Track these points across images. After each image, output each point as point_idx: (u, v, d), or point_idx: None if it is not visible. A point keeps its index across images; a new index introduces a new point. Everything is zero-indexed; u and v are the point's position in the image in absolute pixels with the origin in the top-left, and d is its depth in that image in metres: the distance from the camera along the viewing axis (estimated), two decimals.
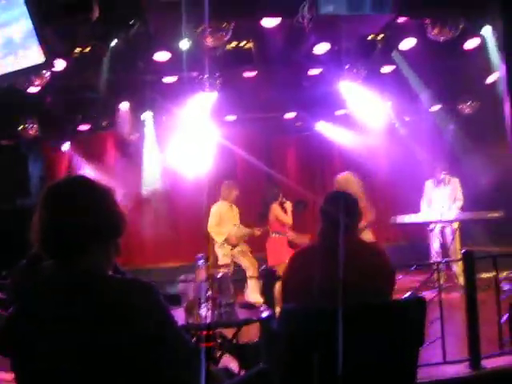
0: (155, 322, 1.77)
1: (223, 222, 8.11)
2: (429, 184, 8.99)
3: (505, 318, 4.82)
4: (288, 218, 8.04)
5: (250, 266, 7.92)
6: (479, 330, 4.83)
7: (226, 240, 8.01)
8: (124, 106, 9.21)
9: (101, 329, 1.69)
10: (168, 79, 8.22)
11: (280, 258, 7.11)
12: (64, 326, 1.69)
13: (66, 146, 10.55)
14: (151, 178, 10.73)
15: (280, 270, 7.37)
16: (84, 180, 1.95)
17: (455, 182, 8.87)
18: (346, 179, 7.27)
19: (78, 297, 1.72)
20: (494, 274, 5.03)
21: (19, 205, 9.15)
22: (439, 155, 9.62)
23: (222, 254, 7.99)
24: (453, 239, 8.46)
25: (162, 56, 7.15)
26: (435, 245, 8.66)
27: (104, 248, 1.87)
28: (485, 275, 5.35)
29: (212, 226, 8.13)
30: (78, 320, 1.69)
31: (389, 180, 11.43)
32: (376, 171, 11.40)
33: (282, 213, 8.04)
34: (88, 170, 10.51)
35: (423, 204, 8.95)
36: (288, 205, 8.15)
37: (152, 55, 7.10)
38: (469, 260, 4.67)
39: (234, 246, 8.03)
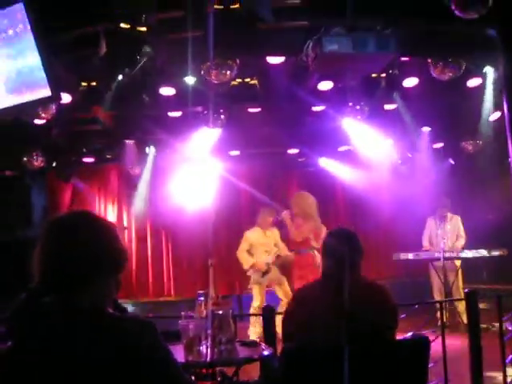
0: (154, 360, 1.75)
1: (254, 248, 8.10)
2: (431, 221, 8.99)
3: (510, 358, 4.76)
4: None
5: (283, 298, 7.84)
6: (483, 373, 4.77)
7: (252, 267, 7.96)
8: (129, 139, 9.26)
9: (99, 368, 1.67)
10: (172, 114, 8.28)
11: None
12: (61, 364, 1.66)
13: (71, 178, 10.57)
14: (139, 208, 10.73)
15: None
16: (87, 214, 1.96)
17: (457, 219, 8.88)
18: (302, 197, 7.34)
19: (77, 335, 1.70)
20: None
21: (21, 236, 9.14)
22: (441, 192, 9.62)
23: (252, 281, 7.99)
24: (456, 277, 8.42)
25: (167, 91, 7.23)
26: (437, 282, 8.61)
27: (104, 283, 1.86)
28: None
29: (239, 251, 8.14)
30: (76, 359, 1.67)
31: (391, 217, 11.42)
32: (378, 208, 11.40)
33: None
34: (91, 202, 10.57)
35: (425, 241, 8.94)
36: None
37: (157, 90, 7.18)
38: (472, 299, 4.64)
39: (264, 273, 7.93)
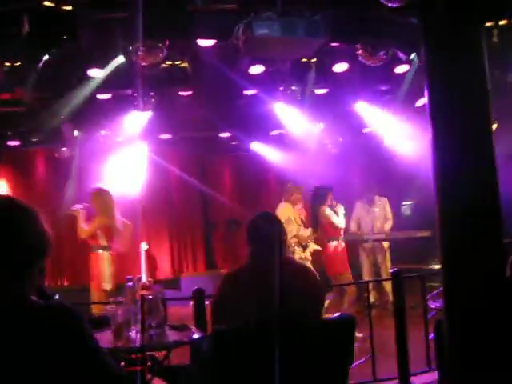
0: (81, 348, 1.72)
1: (289, 222, 7.57)
2: (359, 204, 9.19)
3: (432, 335, 4.96)
4: (341, 222, 7.58)
5: None
6: (408, 348, 4.96)
7: (296, 238, 7.49)
8: (56, 122, 8.98)
9: (24, 357, 1.63)
10: (101, 96, 8.09)
11: (343, 265, 6.81)
12: None
13: None
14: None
15: (344, 279, 7.16)
16: (8, 200, 1.89)
17: (385, 202, 9.12)
18: (100, 194, 6.87)
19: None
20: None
21: None
22: (371, 176, 9.86)
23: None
24: (384, 258, 8.69)
25: (95, 73, 7.05)
26: (366, 264, 8.85)
27: (29, 271, 1.81)
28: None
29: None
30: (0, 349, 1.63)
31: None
32: (309, 191, 11.56)
33: (334, 216, 7.55)
34: (18, 186, 10.23)
35: (353, 224, 9.12)
36: (340, 208, 7.69)
37: (85, 72, 6.99)
38: (397, 279, 4.79)
39: (304, 248, 7.52)
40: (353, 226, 9.08)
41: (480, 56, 2.99)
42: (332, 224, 7.45)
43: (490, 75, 3.10)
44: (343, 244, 7.63)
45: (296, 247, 7.45)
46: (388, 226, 8.95)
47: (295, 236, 7.40)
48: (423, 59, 3.08)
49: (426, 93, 3.06)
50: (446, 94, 3.01)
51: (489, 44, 5.12)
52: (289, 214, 7.64)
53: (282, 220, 7.45)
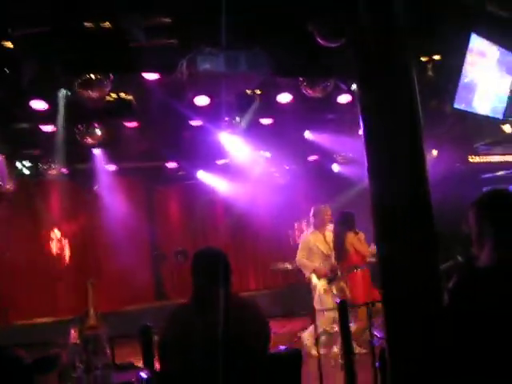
0: None
1: (312, 254, 7.34)
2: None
3: (377, 363, 5.03)
4: (366, 249, 6.99)
5: None
6: (355, 376, 5.01)
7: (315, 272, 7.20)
8: None
9: None
10: (46, 128, 7.98)
11: (371, 294, 6.42)
12: None
13: None
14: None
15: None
16: None
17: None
18: None
19: None
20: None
21: None
22: (320, 202, 9.98)
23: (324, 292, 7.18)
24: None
25: (38, 105, 6.97)
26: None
27: None
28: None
29: (298, 260, 7.46)
30: None
31: (269, 227, 11.70)
32: (257, 219, 11.66)
33: (359, 243, 6.99)
34: None
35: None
36: (361, 235, 7.09)
37: (28, 103, 6.90)
38: (343, 309, 4.85)
39: (330, 281, 7.10)
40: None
41: (410, 87, 3.13)
42: (359, 252, 6.98)
43: (426, 106, 3.23)
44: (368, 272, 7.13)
45: (318, 280, 7.19)
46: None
47: (314, 271, 7.21)
48: (357, 92, 3.21)
49: (360, 121, 3.18)
50: (378, 122, 3.13)
51: (424, 77, 5.37)
52: (317, 243, 7.37)
53: (305, 249, 7.33)
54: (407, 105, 3.10)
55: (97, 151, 8.99)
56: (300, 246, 7.50)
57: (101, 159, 9.28)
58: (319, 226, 7.40)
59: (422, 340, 2.89)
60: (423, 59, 5.21)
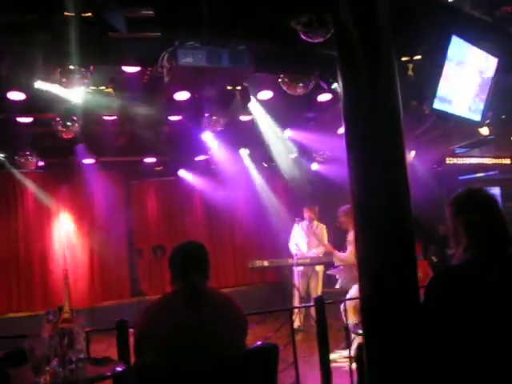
0: None
1: None
2: (297, 227, 9.31)
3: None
4: None
5: None
6: (330, 372, 5.05)
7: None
8: None
9: None
10: (22, 120, 7.88)
11: None
12: None
13: None
14: None
15: None
16: None
17: (322, 228, 9.27)
18: None
19: None
20: None
21: None
22: (304, 200, 10.01)
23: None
24: (316, 282, 8.83)
25: (15, 95, 6.86)
26: (300, 287, 8.95)
27: None
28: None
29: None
30: None
31: (247, 224, 11.71)
32: (236, 216, 11.66)
33: None
34: None
35: (292, 246, 9.22)
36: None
37: (5, 94, 6.80)
38: (320, 304, 4.88)
39: None
40: (292, 248, 9.15)
41: (392, 86, 3.14)
42: None
43: (407, 105, 3.25)
44: None
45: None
46: (319, 250, 9.07)
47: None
48: (339, 90, 3.22)
49: (343, 120, 3.18)
50: (359, 121, 3.15)
51: (405, 77, 5.39)
52: None
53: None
54: (389, 104, 3.12)
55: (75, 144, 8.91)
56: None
57: (80, 152, 9.21)
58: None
59: (399, 337, 2.91)
60: (404, 59, 5.23)
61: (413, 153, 9.71)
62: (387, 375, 2.95)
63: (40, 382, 3.11)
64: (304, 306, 7.04)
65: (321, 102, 8.12)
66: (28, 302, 10.18)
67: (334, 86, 7.38)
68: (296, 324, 6.70)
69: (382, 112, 3.10)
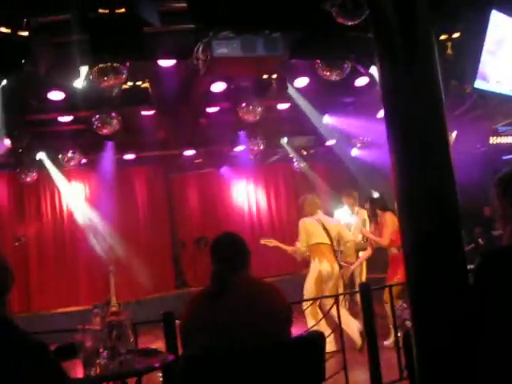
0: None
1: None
2: (337, 214, 9.22)
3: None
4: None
5: None
6: (380, 359, 5.00)
7: None
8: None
9: None
10: (63, 119, 8.03)
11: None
12: None
13: None
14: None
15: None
16: None
17: (363, 213, 9.17)
18: None
19: None
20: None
21: None
22: (343, 187, 9.93)
23: None
24: (360, 268, 8.75)
25: (55, 95, 6.99)
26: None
27: None
28: None
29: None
30: None
31: (288, 212, 11.68)
32: (276, 205, 11.65)
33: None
34: None
35: None
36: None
37: (45, 94, 6.93)
38: (366, 291, 4.83)
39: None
40: None
41: (432, 66, 3.06)
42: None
43: (447, 85, 3.16)
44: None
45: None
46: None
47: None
48: (378, 73, 3.15)
49: (382, 104, 3.12)
50: (400, 104, 3.07)
51: (444, 56, 5.27)
52: None
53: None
54: (430, 85, 3.04)
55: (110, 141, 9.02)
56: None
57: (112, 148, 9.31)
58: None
59: (449, 323, 2.86)
60: (442, 38, 5.11)
61: (454, 134, 9.50)
62: (437, 362, 2.90)
63: (90, 375, 3.18)
64: (349, 293, 6.98)
65: (358, 87, 8.01)
66: (75, 297, 10.40)
67: (372, 69, 7.30)
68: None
69: (423, 94, 3.02)
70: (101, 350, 3.23)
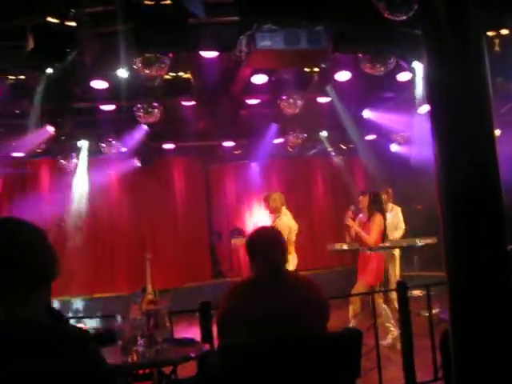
0: (90, 373, 1.72)
1: None
2: None
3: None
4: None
5: None
6: (414, 358, 4.95)
7: None
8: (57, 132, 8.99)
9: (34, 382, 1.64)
10: (105, 107, 8.14)
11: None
12: None
13: None
14: (79, 204, 10.50)
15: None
16: (17, 222, 1.88)
17: (397, 210, 9.07)
18: None
19: (10, 348, 1.65)
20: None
21: None
22: (379, 182, 9.84)
23: None
24: (394, 266, 8.67)
25: (99, 84, 7.10)
26: None
27: (38, 292, 1.81)
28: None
29: None
30: (11, 374, 1.63)
31: (327, 206, 11.63)
32: (313, 198, 11.60)
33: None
34: (23, 197, 10.25)
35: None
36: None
37: (89, 83, 7.04)
38: (402, 290, 4.78)
39: None
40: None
41: (481, 63, 3.00)
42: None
43: (492, 82, 3.10)
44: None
45: None
46: (397, 234, 8.90)
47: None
48: (424, 68, 3.09)
49: (427, 100, 3.07)
50: (447, 100, 3.02)
51: (491, 53, 5.16)
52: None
53: None
54: (478, 83, 2.98)
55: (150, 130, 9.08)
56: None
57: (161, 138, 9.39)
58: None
59: (490, 323, 2.81)
60: (490, 34, 5.01)
61: (498, 132, 9.30)
62: (476, 363, 2.86)
63: (128, 362, 3.23)
64: (385, 291, 6.92)
65: (400, 82, 7.91)
66: (112, 283, 10.56)
67: (414, 64, 7.19)
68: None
69: (471, 91, 2.96)
70: (138, 337, 3.28)
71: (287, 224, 7.42)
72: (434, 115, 3.08)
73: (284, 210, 7.56)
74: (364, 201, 7.98)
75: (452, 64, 2.99)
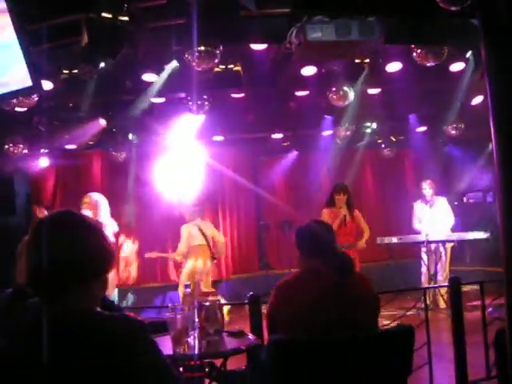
0: (144, 363, 1.75)
1: None
2: (418, 205, 9.03)
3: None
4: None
5: None
6: (466, 356, 4.85)
7: None
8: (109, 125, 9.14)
9: (88, 371, 1.67)
10: (156, 100, 8.23)
11: None
12: (49, 370, 1.66)
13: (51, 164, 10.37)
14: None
15: None
16: (74, 215, 1.92)
17: (443, 200, 8.93)
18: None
19: (65, 339, 1.69)
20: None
21: (4, 224, 9.02)
22: (427, 175, 9.68)
23: None
24: (444, 259, 8.55)
25: (150, 77, 7.17)
26: (424, 267, 8.73)
27: (93, 284, 1.85)
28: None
29: None
30: (64, 364, 1.66)
31: (376, 199, 11.50)
32: (362, 191, 11.48)
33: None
34: (75, 189, 10.46)
35: (417, 225, 8.97)
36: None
37: (140, 76, 7.13)
38: (455, 286, 4.69)
39: None
40: (418, 227, 8.91)
41: None
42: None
43: None
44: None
45: None
46: (450, 223, 8.78)
47: None
48: (483, 57, 3.01)
49: (487, 90, 2.99)
50: (506, 90, 2.95)
51: None
52: None
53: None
54: None
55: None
56: None
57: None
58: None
59: None
60: None
61: None
62: None
63: (179, 353, 3.26)
64: (437, 287, 6.81)
65: (453, 72, 7.72)
66: (163, 273, 10.71)
67: (468, 54, 7.01)
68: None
69: None
70: (190, 329, 3.31)
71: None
72: (493, 104, 3.00)
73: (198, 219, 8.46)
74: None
75: (511, 53, 2.92)
